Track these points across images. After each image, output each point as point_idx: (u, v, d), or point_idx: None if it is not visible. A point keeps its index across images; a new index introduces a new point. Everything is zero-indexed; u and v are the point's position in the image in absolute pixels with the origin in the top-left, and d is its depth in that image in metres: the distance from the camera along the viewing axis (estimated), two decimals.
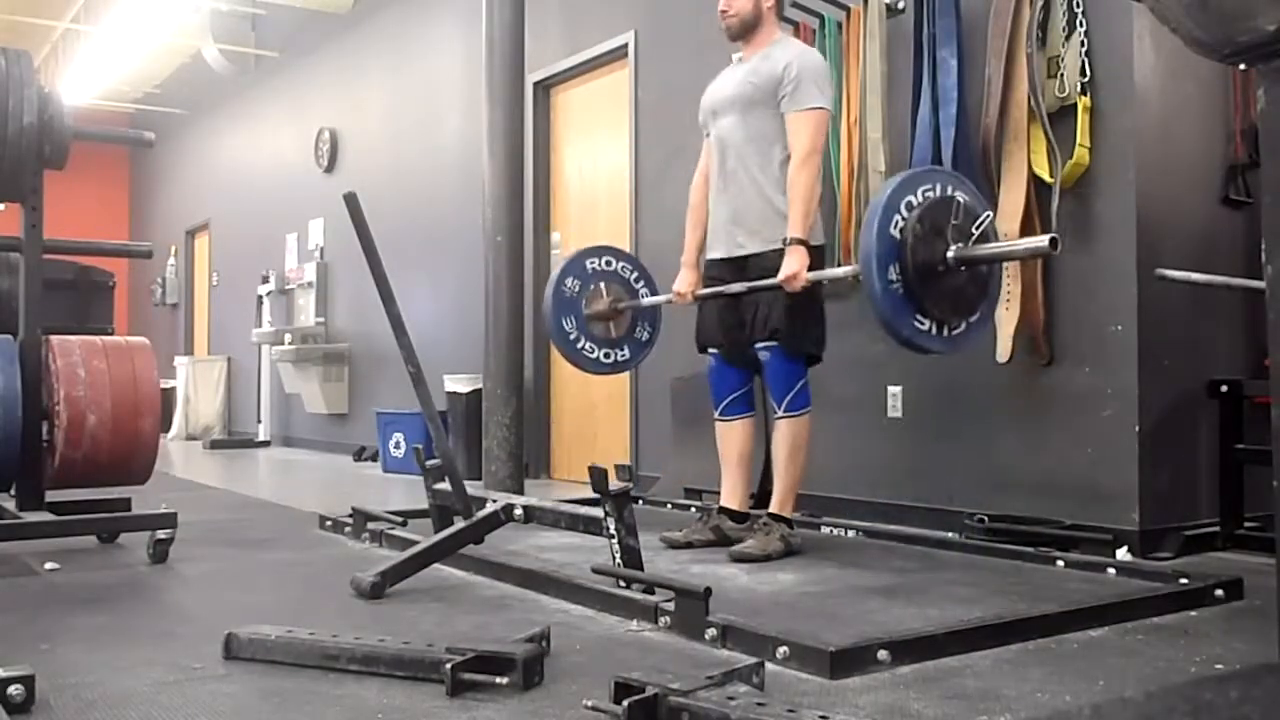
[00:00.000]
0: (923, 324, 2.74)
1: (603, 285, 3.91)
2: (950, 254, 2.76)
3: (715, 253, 3.54)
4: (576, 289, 3.88)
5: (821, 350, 3.44)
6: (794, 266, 3.24)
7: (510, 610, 2.61)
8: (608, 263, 3.95)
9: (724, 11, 3.50)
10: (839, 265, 3.94)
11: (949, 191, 2.85)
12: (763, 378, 3.43)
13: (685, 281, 3.63)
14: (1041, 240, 2.67)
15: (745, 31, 3.49)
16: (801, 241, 3.26)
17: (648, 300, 3.92)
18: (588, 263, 3.92)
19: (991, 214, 2.88)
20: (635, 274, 3.98)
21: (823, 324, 3.43)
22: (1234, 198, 3.62)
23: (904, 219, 2.74)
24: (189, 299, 12.00)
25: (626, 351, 3.96)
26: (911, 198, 2.79)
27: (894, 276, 2.71)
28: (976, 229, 2.79)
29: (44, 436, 3.29)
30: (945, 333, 2.78)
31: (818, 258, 3.39)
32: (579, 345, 3.89)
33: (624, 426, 5.51)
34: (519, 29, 5.35)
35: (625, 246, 5.47)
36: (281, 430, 9.32)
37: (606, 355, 3.92)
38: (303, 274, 8.82)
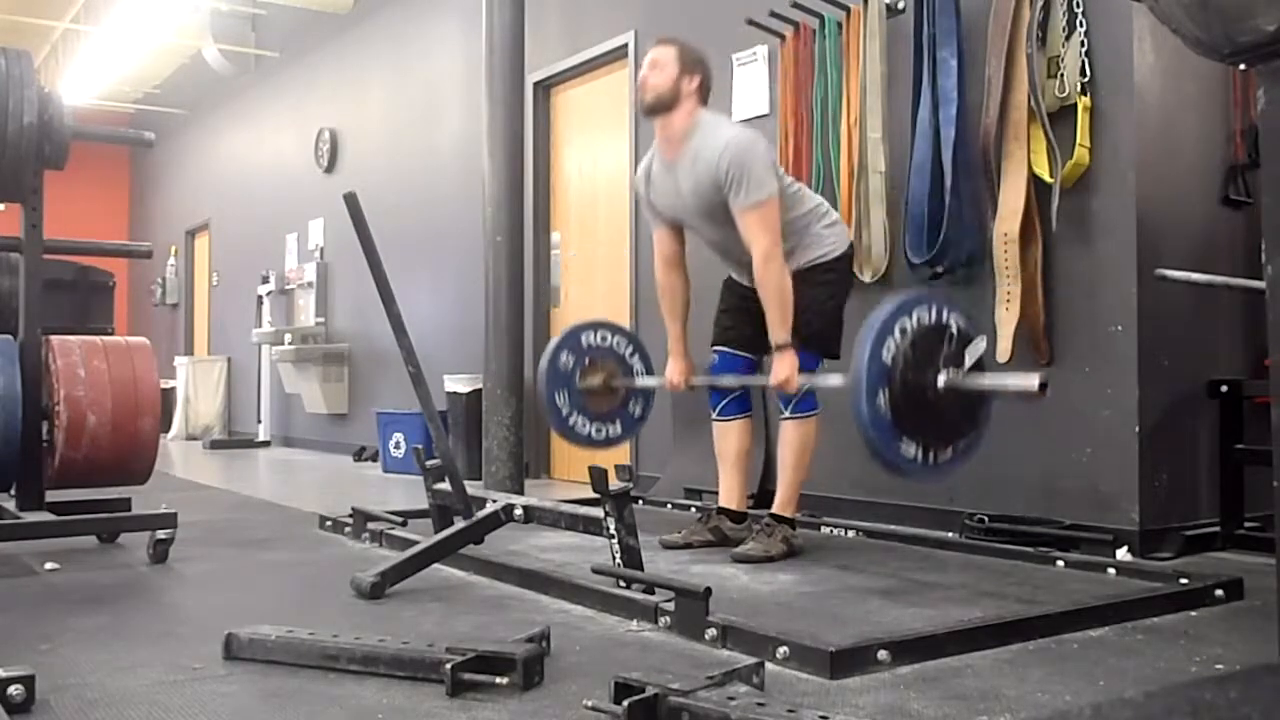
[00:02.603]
0: (908, 449, 2.72)
1: (598, 361, 3.90)
2: (940, 382, 2.74)
3: (739, 278, 3.52)
4: (571, 364, 3.86)
5: (838, 347, 3.42)
6: (784, 372, 3.19)
7: (510, 610, 2.61)
8: (603, 338, 3.92)
9: (642, 84, 3.35)
10: None
11: (944, 318, 2.79)
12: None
13: (677, 370, 3.57)
14: (1031, 381, 2.64)
15: (660, 110, 3.33)
16: (788, 345, 3.20)
17: (641, 382, 3.91)
18: (583, 337, 3.91)
19: (985, 339, 2.84)
20: (631, 349, 3.96)
21: (840, 325, 3.43)
22: (1234, 198, 3.62)
23: (897, 344, 2.70)
24: (189, 299, 12.00)
25: (619, 426, 3.86)
26: (906, 320, 2.73)
27: (882, 402, 2.69)
28: (969, 356, 2.78)
29: (44, 436, 3.30)
30: (932, 459, 2.75)
31: (845, 265, 3.44)
32: (570, 421, 3.83)
33: None
34: (519, 29, 5.35)
35: (624, 246, 5.49)
36: (281, 430, 9.32)
37: (598, 430, 3.82)
38: (303, 274, 8.81)
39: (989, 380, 2.77)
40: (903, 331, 2.71)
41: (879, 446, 2.68)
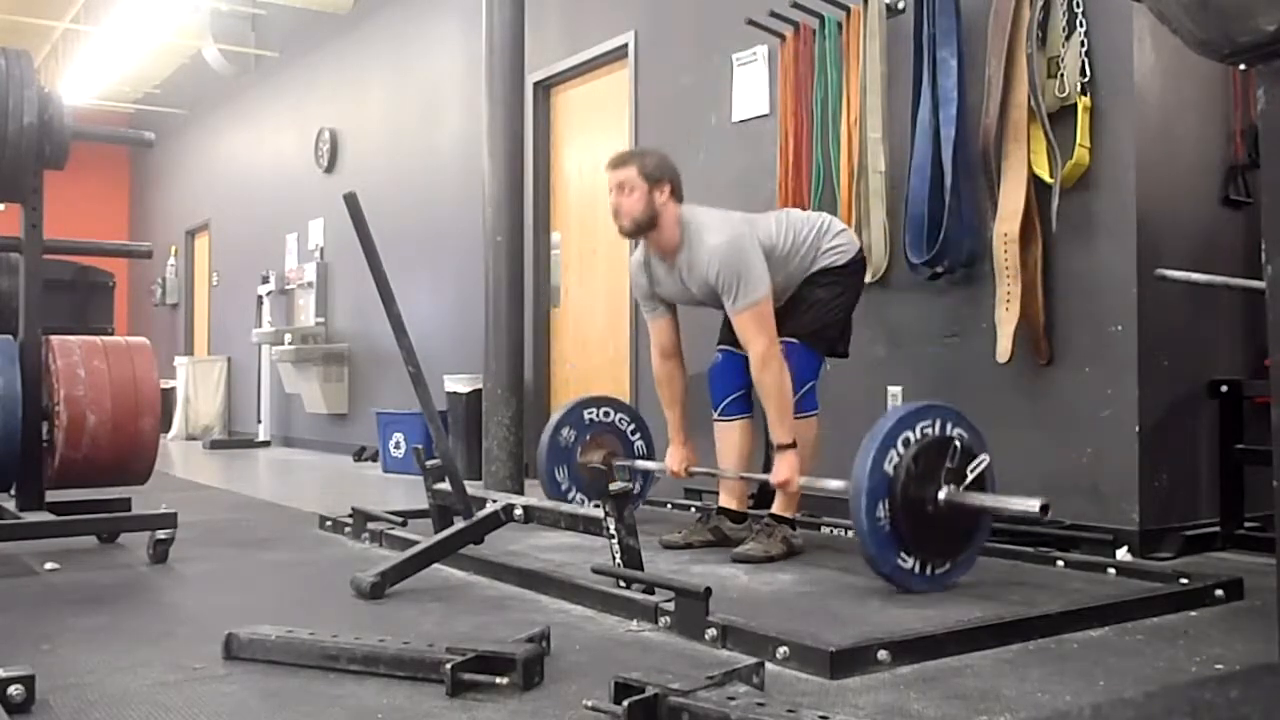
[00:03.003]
0: (906, 562, 2.72)
1: (598, 438, 3.89)
2: (941, 496, 2.72)
3: None
4: (572, 439, 3.87)
5: (845, 347, 3.52)
6: (785, 473, 3.24)
7: (510, 610, 2.61)
8: (605, 414, 3.92)
9: (616, 211, 3.38)
10: None
11: (948, 431, 2.79)
12: None
13: (677, 459, 3.62)
14: (1032, 504, 2.63)
15: (641, 231, 3.38)
16: (789, 446, 3.23)
17: (641, 465, 3.92)
18: (585, 413, 3.91)
19: (989, 458, 2.82)
20: (633, 427, 3.97)
21: (846, 325, 3.50)
22: (1234, 198, 3.62)
23: (899, 455, 2.70)
24: (189, 299, 12.00)
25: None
26: (909, 433, 2.74)
27: (882, 514, 2.68)
28: (972, 472, 2.77)
29: (44, 437, 3.30)
30: (929, 571, 2.76)
31: (854, 269, 3.47)
32: (570, 497, 3.87)
33: None
34: (519, 29, 5.35)
35: (624, 246, 5.48)
36: (281, 430, 9.32)
37: (596, 507, 3.86)
38: (303, 274, 8.81)
39: (990, 500, 2.77)
40: (906, 443, 2.71)
41: (877, 560, 2.70)
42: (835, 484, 3.11)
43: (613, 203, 3.38)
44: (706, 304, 3.46)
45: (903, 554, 2.71)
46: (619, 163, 3.42)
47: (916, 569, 2.74)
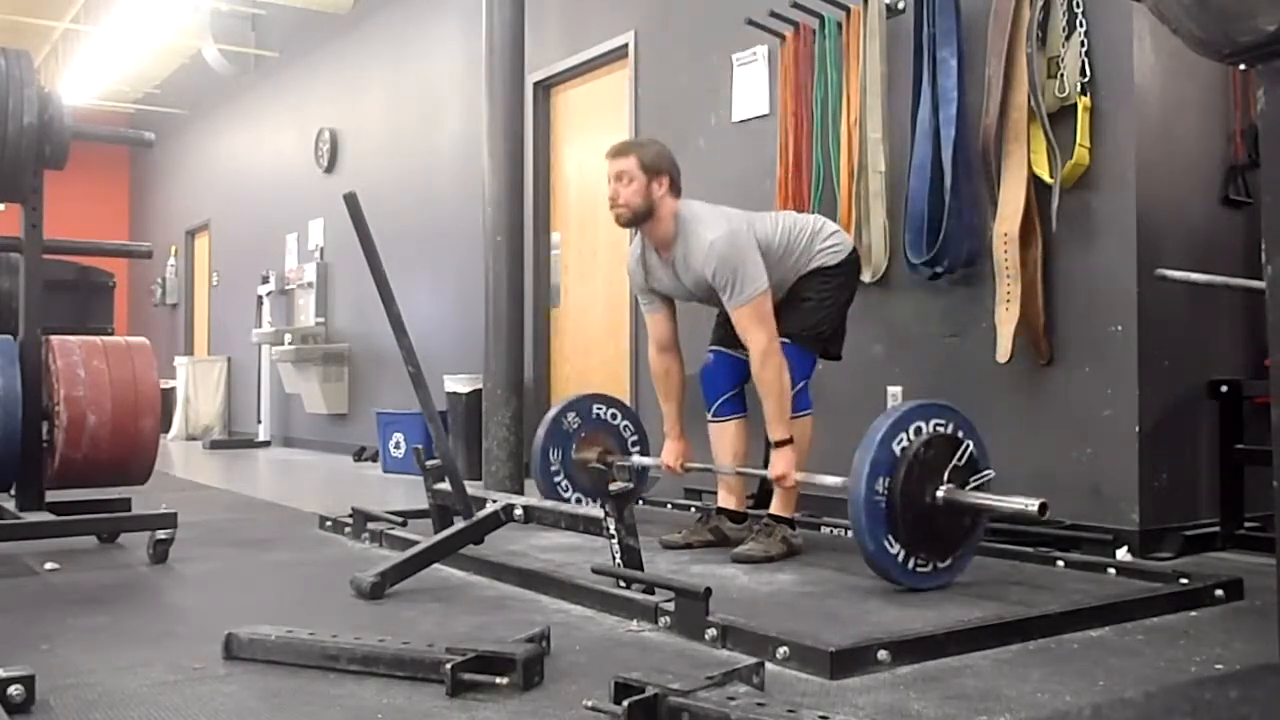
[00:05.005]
0: (892, 547, 2.72)
1: (599, 434, 3.90)
2: (940, 491, 2.74)
3: None
4: (575, 426, 3.87)
5: (838, 348, 3.52)
6: (782, 468, 3.25)
7: (510, 610, 2.61)
8: (613, 415, 3.94)
9: (613, 200, 3.38)
10: None
11: (960, 435, 2.81)
12: None
13: (673, 454, 3.62)
14: (1031, 504, 2.65)
15: (637, 222, 3.39)
16: (785, 441, 3.24)
17: (637, 460, 3.90)
18: (594, 408, 3.92)
19: (993, 474, 2.84)
20: (635, 438, 3.97)
21: (840, 325, 3.51)
22: (1234, 198, 3.62)
23: (910, 440, 2.72)
24: (189, 299, 12.00)
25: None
26: (922, 424, 2.76)
27: (881, 489, 2.69)
28: (975, 480, 2.79)
29: (44, 437, 3.30)
30: (911, 564, 2.75)
31: (847, 269, 3.48)
32: (557, 480, 3.87)
33: None
34: (519, 29, 5.35)
35: (624, 246, 5.48)
36: (281, 430, 9.32)
37: (579, 501, 3.86)
38: (303, 274, 8.81)
39: (989, 498, 2.77)
40: (918, 431, 2.72)
41: (865, 533, 2.68)
42: (832, 480, 3.11)
43: (611, 192, 3.39)
44: (700, 299, 3.47)
45: (890, 537, 2.71)
46: (619, 152, 3.43)
47: (901, 557, 2.73)
